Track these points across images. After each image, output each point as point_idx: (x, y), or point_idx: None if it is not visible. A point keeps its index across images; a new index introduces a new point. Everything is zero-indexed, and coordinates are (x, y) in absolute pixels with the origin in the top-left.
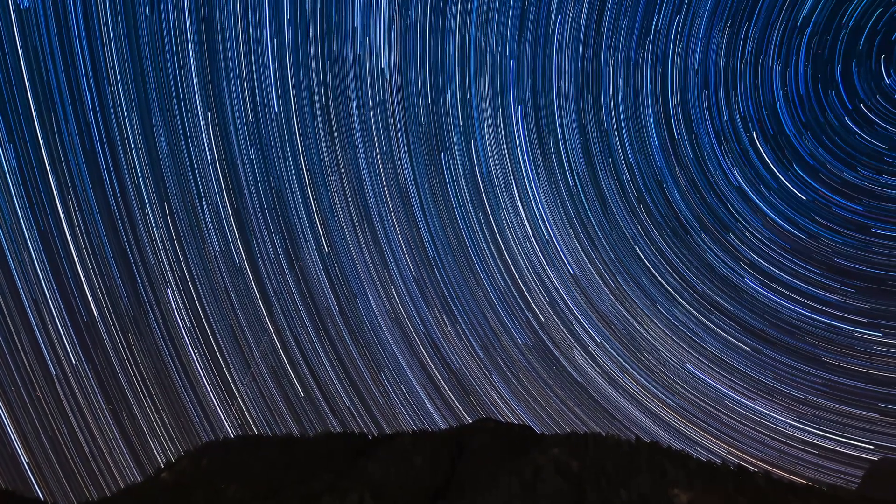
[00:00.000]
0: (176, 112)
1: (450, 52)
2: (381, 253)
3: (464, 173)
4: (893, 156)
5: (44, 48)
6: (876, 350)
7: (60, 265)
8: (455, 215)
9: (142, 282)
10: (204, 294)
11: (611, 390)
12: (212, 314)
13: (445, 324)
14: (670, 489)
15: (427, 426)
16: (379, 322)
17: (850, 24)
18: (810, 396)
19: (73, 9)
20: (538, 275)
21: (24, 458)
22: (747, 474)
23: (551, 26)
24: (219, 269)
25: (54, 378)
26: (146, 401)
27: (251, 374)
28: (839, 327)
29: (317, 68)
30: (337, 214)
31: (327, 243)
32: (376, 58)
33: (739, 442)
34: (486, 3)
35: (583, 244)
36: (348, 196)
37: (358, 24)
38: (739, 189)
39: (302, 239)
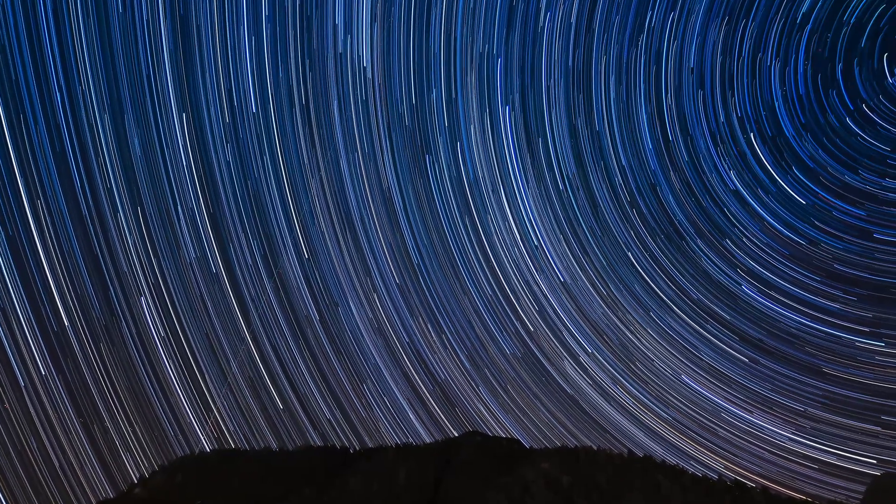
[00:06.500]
0: (150, 113)
1: (435, 51)
2: (364, 259)
3: (449, 176)
4: None
5: (11, 46)
6: (878, 360)
7: (29, 272)
8: (440, 220)
9: (114, 290)
10: (179, 302)
11: (602, 402)
12: (187, 323)
13: (430, 333)
14: None
15: (411, 440)
16: (361, 331)
17: (852, 21)
18: (810, 409)
19: (42, 4)
20: (527, 282)
21: None
22: (745, 490)
23: (540, 23)
24: (194, 276)
25: (23, 390)
26: (119, 413)
27: (228, 385)
28: (840, 337)
29: (296, 67)
30: (317, 219)
31: (307, 249)
32: (358, 56)
33: (736, 456)
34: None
35: (573, 250)
36: (329, 200)
37: (339, 20)
38: (736, 193)
39: (281, 245)
